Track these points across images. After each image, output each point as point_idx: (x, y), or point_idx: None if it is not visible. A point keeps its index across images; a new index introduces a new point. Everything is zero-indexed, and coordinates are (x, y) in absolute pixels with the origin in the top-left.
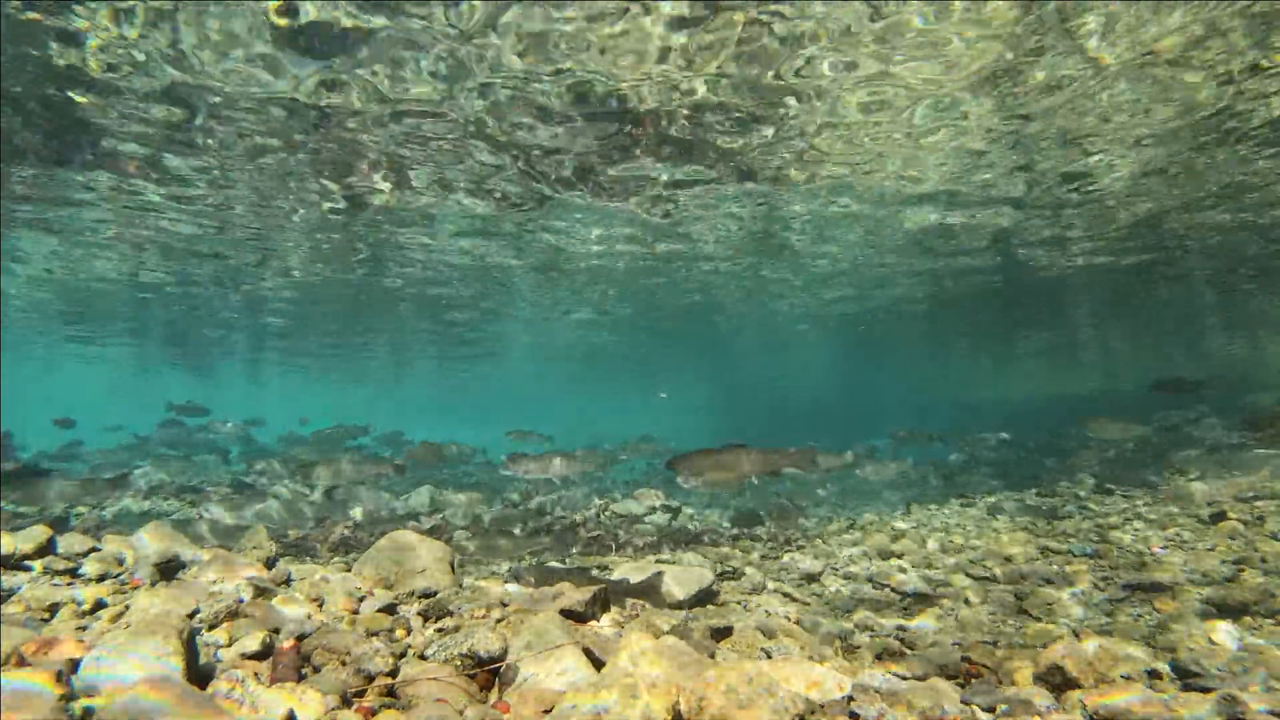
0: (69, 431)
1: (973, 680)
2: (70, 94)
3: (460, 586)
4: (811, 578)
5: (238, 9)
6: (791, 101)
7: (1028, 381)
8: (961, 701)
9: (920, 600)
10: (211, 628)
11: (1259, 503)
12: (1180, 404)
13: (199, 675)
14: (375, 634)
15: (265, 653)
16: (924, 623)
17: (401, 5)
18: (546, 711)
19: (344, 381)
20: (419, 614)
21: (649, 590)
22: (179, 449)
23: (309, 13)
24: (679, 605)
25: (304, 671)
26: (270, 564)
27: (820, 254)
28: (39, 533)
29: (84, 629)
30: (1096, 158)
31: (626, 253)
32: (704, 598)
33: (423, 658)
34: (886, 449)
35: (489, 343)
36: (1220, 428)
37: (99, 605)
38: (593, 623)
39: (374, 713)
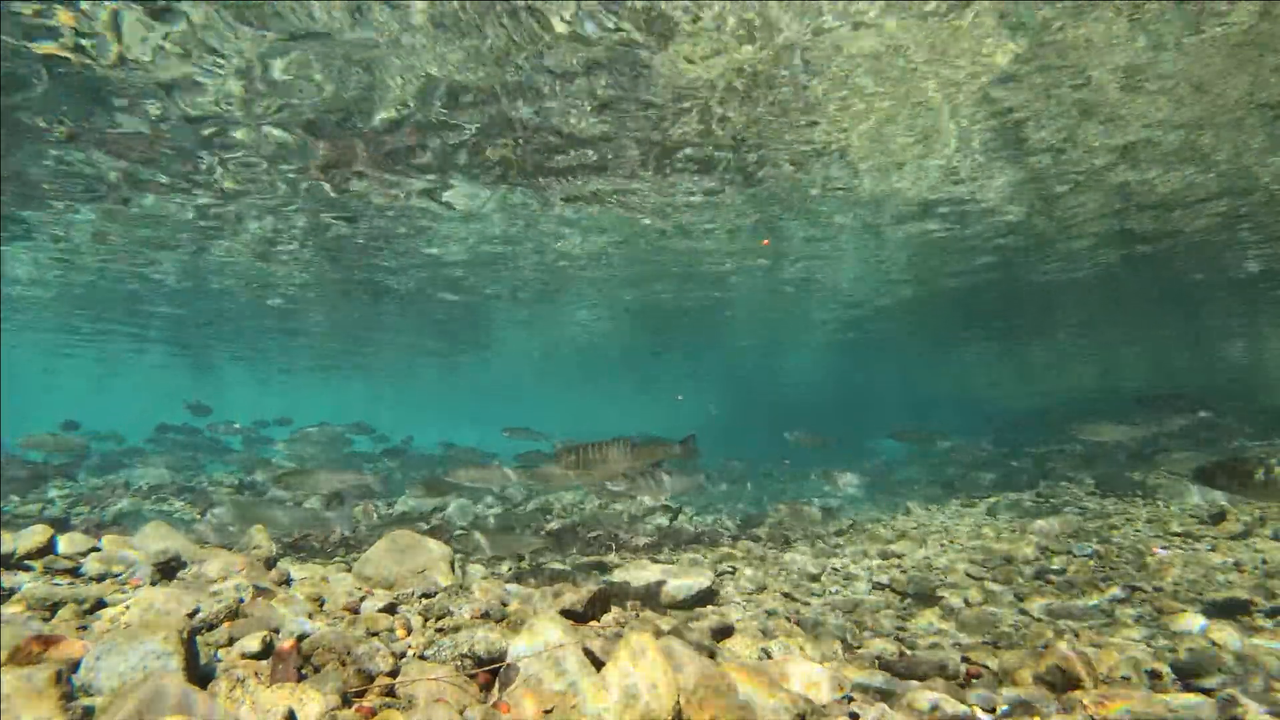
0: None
1: (973, 680)
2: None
3: (461, 587)
4: (811, 578)
5: None
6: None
7: (1028, 383)
8: (962, 702)
9: (920, 600)
10: (212, 628)
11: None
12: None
13: (199, 675)
14: (375, 634)
15: (265, 652)
16: (924, 623)
17: None
18: (547, 712)
19: (346, 381)
20: (419, 614)
21: (649, 591)
22: (180, 450)
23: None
24: (679, 605)
25: (304, 671)
26: (270, 564)
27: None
28: (40, 532)
29: (84, 628)
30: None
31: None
32: (704, 598)
33: (423, 658)
34: (881, 449)
35: (489, 339)
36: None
37: (99, 605)
38: (593, 623)
39: (374, 713)
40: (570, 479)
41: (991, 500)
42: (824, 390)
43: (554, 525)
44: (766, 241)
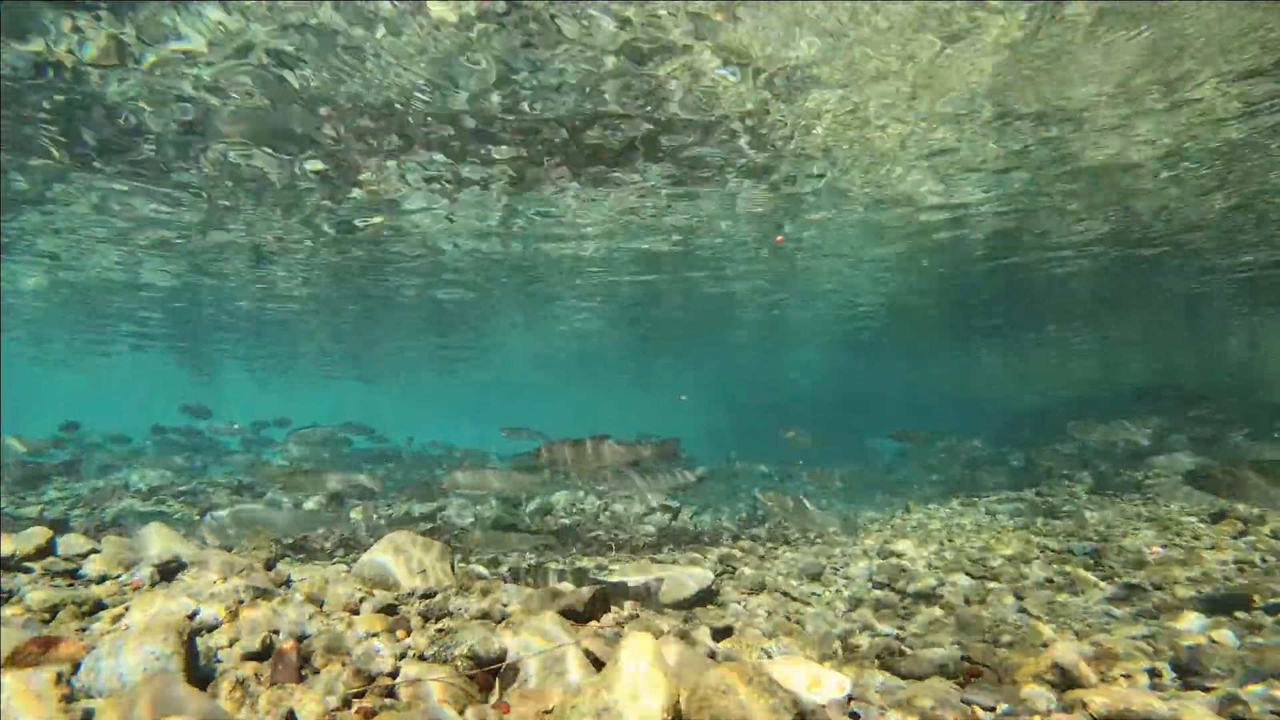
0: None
1: (973, 680)
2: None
3: (460, 587)
4: (811, 577)
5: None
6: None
7: (1026, 383)
8: (962, 701)
9: (920, 599)
10: (211, 629)
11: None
12: (1164, 413)
13: (199, 676)
14: (375, 635)
15: (265, 653)
16: (924, 622)
17: None
18: (547, 712)
19: (346, 381)
20: (419, 614)
21: (649, 590)
22: (178, 452)
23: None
24: (679, 605)
25: (304, 672)
26: (270, 565)
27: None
28: (39, 534)
29: (84, 630)
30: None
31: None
32: (704, 597)
33: (423, 658)
34: (881, 448)
35: (487, 340)
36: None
37: (99, 606)
38: (593, 623)
39: (374, 713)
40: (492, 484)
41: (991, 499)
42: (826, 390)
43: (554, 525)
44: (781, 239)
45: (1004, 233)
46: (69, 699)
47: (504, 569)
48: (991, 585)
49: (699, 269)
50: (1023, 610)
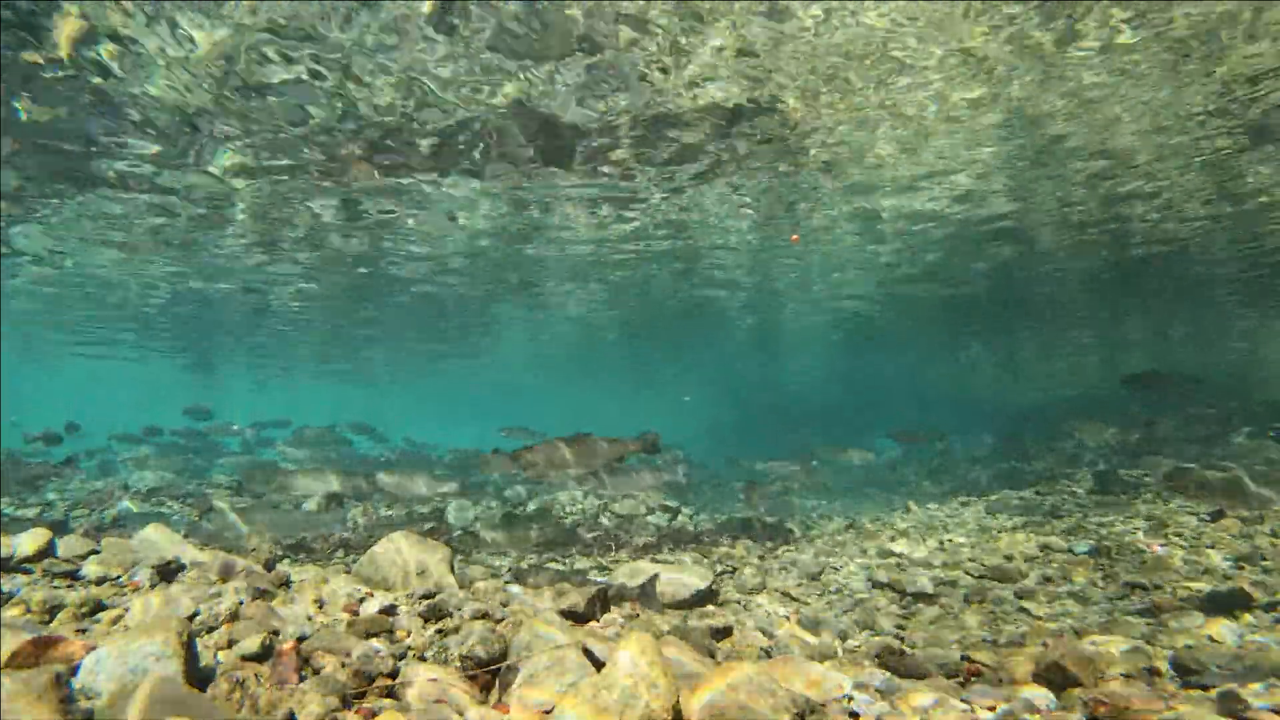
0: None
1: (973, 679)
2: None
3: (460, 588)
4: (811, 577)
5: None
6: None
7: (1026, 381)
8: (962, 700)
9: (920, 599)
10: (211, 630)
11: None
12: (1158, 404)
13: (199, 677)
14: (375, 635)
15: (265, 654)
16: (924, 621)
17: None
18: (547, 712)
19: (346, 381)
20: (419, 615)
21: (649, 591)
22: (175, 453)
23: None
24: (679, 605)
25: (304, 673)
26: (270, 566)
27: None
28: (39, 535)
29: (84, 631)
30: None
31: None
32: (704, 597)
33: (423, 659)
34: (881, 447)
35: (485, 339)
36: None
37: (99, 607)
38: (593, 623)
39: (374, 714)
40: (417, 487)
41: (991, 498)
42: (828, 389)
43: (554, 525)
44: (796, 238)
45: (1007, 225)
46: (69, 700)
47: (504, 569)
48: (991, 584)
49: (701, 267)
50: (1023, 609)
